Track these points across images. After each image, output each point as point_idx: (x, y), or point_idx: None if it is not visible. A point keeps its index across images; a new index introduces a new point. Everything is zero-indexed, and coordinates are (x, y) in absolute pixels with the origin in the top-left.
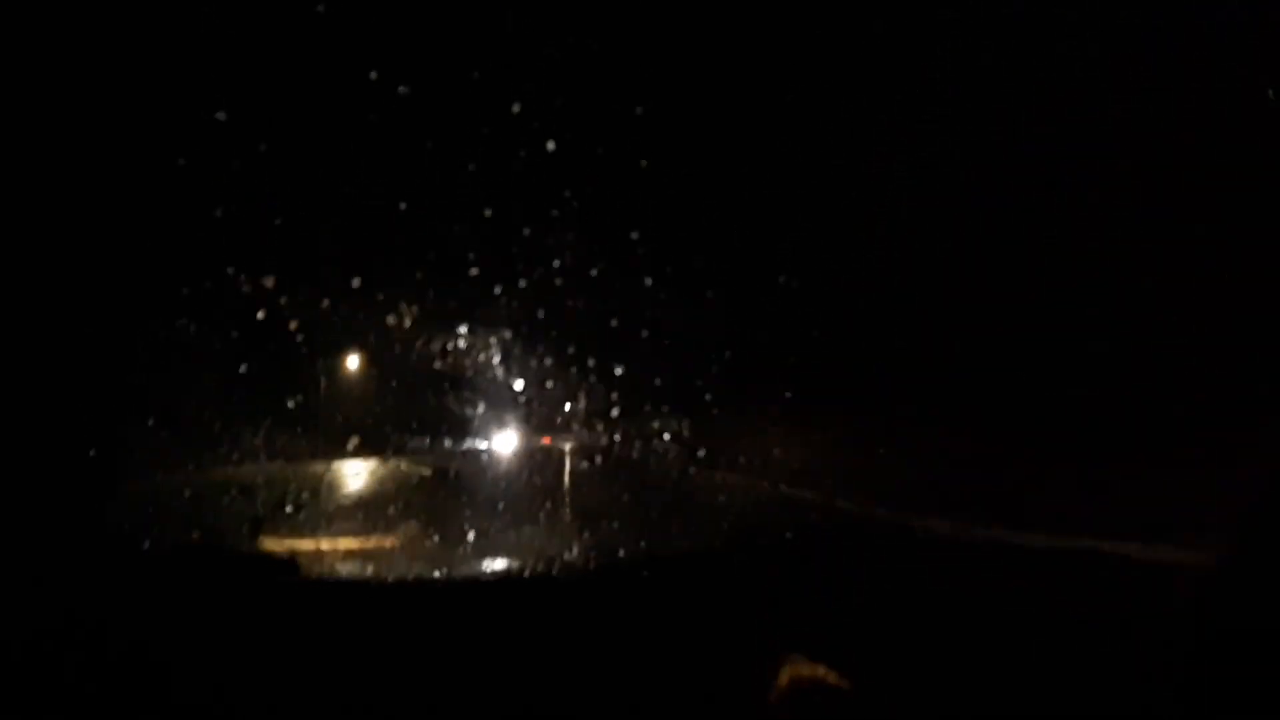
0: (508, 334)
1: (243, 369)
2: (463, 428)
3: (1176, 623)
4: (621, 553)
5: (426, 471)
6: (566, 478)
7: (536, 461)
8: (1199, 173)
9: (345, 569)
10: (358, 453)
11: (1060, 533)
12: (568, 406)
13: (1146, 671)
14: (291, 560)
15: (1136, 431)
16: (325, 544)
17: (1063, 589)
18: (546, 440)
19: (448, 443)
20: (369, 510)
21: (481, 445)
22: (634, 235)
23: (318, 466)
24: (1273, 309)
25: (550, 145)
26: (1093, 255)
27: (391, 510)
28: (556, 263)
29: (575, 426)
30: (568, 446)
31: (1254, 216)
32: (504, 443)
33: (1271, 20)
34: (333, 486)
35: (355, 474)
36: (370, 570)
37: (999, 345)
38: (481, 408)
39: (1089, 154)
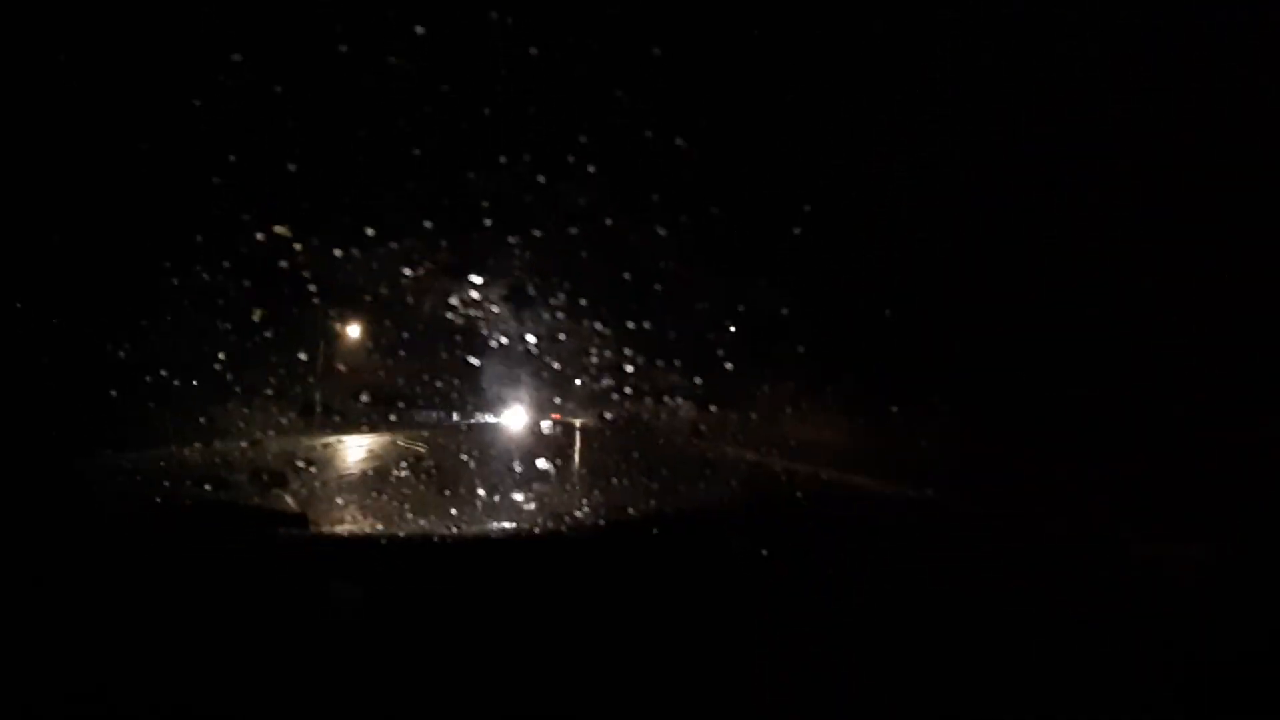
0: (519, 287)
1: (243, 329)
2: (473, 395)
3: (1177, 620)
4: (631, 510)
5: (425, 449)
6: (577, 454)
7: (548, 432)
8: (1199, 173)
9: (354, 525)
10: (363, 424)
11: (1063, 530)
12: (578, 381)
13: (1147, 671)
14: (301, 515)
15: (1137, 429)
16: None
17: (1065, 587)
18: (556, 416)
19: (456, 416)
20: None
21: (493, 418)
22: (650, 187)
23: (320, 440)
24: (1273, 309)
25: (567, 91)
26: (1093, 255)
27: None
28: (571, 214)
29: (588, 392)
30: (578, 422)
31: (1254, 216)
32: (515, 416)
33: (1272, 20)
34: (333, 467)
35: (361, 452)
36: (380, 526)
37: (1005, 337)
38: (491, 369)
39: (1089, 154)
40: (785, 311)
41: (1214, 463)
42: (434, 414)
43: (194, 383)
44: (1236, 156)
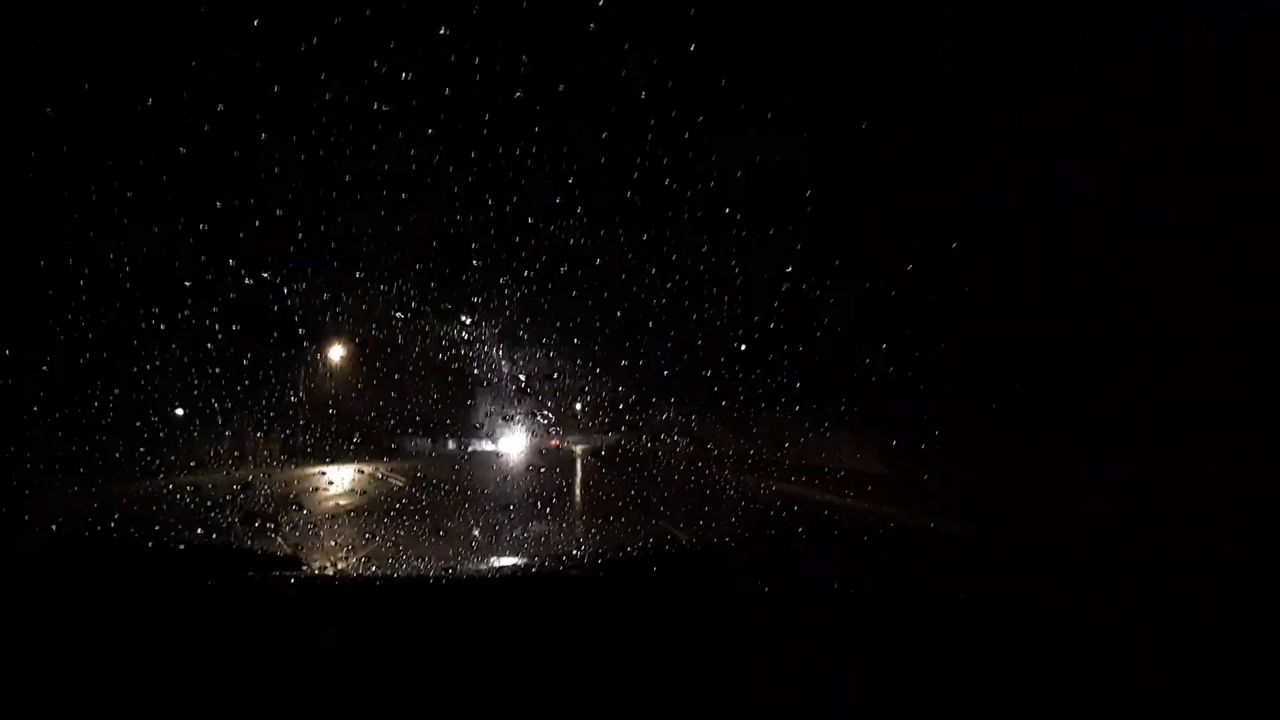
0: (511, 326)
1: (234, 371)
2: (466, 439)
3: (1177, 620)
4: (630, 548)
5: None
6: (578, 490)
7: (544, 465)
8: (1200, 172)
9: (348, 566)
10: (354, 462)
11: (1064, 530)
12: (578, 406)
13: (1147, 671)
14: (294, 557)
15: (1137, 431)
16: None
17: (1065, 587)
18: (555, 443)
19: (451, 444)
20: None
21: (486, 447)
22: (640, 225)
23: (312, 477)
24: (1273, 309)
25: (553, 132)
26: (1093, 255)
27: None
28: (561, 254)
29: (585, 423)
30: (579, 449)
31: (1254, 216)
32: (510, 445)
33: (1272, 20)
34: (325, 505)
35: (355, 488)
36: (374, 568)
37: (1002, 338)
38: (484, 405)
39: (1090, 155)
40: (782, 340)
41: (1214, 463)
42: (428, 444)
43: (184, 417)
44: (1237, 156)
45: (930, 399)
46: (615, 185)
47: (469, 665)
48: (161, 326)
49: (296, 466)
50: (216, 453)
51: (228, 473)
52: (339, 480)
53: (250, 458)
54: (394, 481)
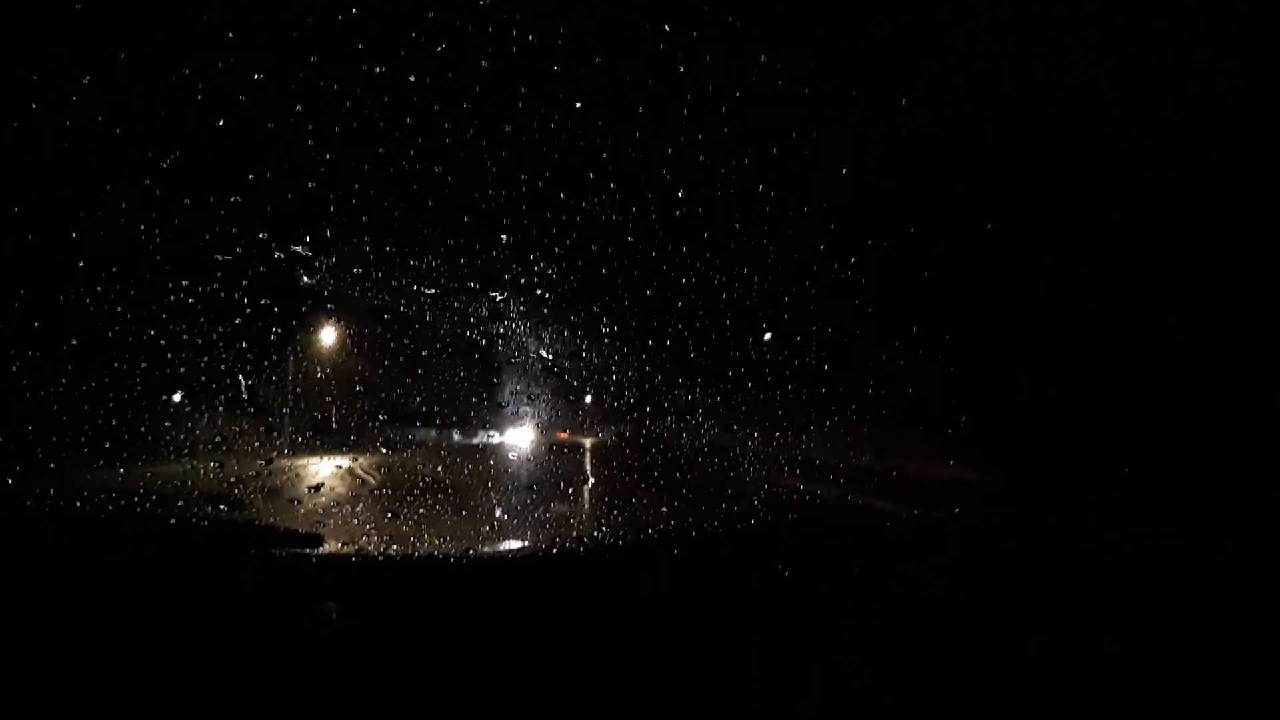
0: (538, 303)
1: (258, 347)
2: (491, 414)
3: (1177, 621)
4: (652, 530)
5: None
6: (594, 475)
7: (568, 448)
8: (1199, 172)
9: (370, 544)
10: (378, 436)
11: (1062, 530)
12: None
13: (1146, 671)
14: (316, 534)
15: (1136, 428)
16: None
17: (1063, 586)
18: (563, 435)
19: (480, 426)
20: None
21: (510, 438)
22: (675, 204)
23: (334, 449)
24: (1273, 309)
25: (589, 107)
26: (1091, 257)
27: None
28: (593, 231)
29: (610, 403)
30: (589, 443)
31: (1255, 217)
32: (526, 436)
33: (1272, 20)
34: (348, 487)
35: (381, 471)
36: (395, 548)
37: (1002, 335)
38: (510, 387)
39: (1089, 153)
40: (811, 324)
41: (1214, 462)
42: (455, 423)
43: (210, 394)
44: (1237, 156)
45: (955, 391)
46: (649, 162)
47: (488, 644)
48: (190, 300)
49: (322, 444)
50: (241, 430)
51: (252, 450)
52: (363, 459)
53: (275, 435)
54: (419, 462)
